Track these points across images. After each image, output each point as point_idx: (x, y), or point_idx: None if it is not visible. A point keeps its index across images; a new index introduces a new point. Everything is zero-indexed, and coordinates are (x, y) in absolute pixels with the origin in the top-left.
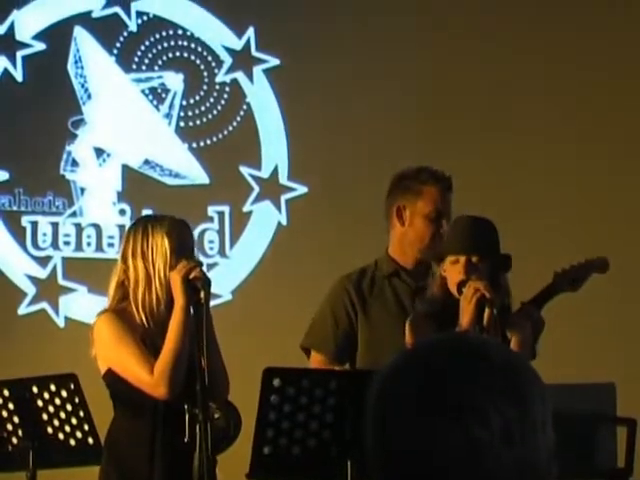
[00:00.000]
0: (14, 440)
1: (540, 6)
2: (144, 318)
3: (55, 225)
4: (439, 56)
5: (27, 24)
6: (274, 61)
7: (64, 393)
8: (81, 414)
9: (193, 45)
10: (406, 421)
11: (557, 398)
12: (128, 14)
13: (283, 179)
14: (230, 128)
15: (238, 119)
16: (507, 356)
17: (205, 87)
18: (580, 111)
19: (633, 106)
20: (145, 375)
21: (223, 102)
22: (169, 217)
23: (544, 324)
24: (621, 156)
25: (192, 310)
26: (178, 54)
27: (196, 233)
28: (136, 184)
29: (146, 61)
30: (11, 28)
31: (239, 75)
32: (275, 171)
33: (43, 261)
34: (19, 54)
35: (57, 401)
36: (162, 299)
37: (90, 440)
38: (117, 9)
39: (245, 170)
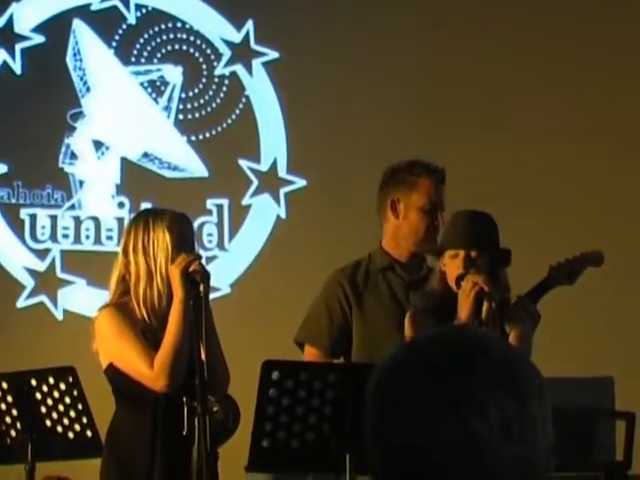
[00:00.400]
0: (13, 433)
1: (539, 5)
2: (145, 313)
3: (54, 218)
4: (438, 54)
5: (26, 17)
6: (273, 54)
7: (63, 386)
8: (79, 407)
9: (192, 38)
10: (404, 415)
11: (555, 392)
12: (127, 7)
13: (282, 172)
14: (229, 121)
15: (237, 112)
16: (506, 350)
17: (204, 80)
18: (579, 110)
19: (632, 106)
20: (145, 369)
21: (222, 95)
22: (169, 211)
23: (540, 318)
24: (620, 155)
25: (192, 303)
26: (177, 47)
27: (195, 226)
28: (135, 177)
29: (145, 54)
30: (10, 21)
31: (238, 68)
32: (274, 164)
33: (42, 254)
34: (18, 47)
35: (56, 394)
36: (163, 294)
37: (88, 433)
38: (116, 2)
39: (244, 163)
